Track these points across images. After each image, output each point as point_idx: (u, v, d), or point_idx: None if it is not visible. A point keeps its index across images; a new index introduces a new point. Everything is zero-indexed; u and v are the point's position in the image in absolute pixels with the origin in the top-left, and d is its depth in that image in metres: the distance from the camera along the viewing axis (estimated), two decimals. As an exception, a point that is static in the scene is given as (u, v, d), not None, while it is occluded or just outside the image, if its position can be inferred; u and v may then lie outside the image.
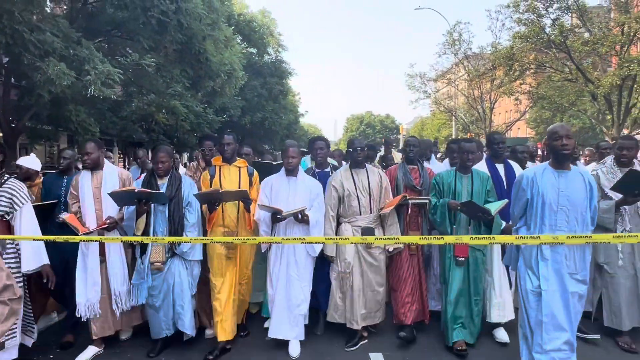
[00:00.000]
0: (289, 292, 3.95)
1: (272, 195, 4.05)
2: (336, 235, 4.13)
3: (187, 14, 9.00)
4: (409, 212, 4.18)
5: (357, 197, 4.09)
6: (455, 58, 25.07)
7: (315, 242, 3.92)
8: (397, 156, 8.16)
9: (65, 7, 10.34)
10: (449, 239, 3.25)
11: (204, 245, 4.09)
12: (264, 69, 23.01)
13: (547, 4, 16.79)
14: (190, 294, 3.98)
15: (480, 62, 24.28)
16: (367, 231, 4.05)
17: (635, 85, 15.48)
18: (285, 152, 4.08)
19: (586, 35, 16.31)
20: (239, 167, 4.20)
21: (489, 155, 4.67)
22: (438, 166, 5.66)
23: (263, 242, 4.03)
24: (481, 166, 4.48)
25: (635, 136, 15.24)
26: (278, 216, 3.89)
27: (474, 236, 2.96)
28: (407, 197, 4.08)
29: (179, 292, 3.93)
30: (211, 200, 3.88)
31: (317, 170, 4.69)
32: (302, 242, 3.76)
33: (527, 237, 3.06)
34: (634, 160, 4.09)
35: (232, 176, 4.14)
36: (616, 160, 4.11)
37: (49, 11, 9.22)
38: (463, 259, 3.95)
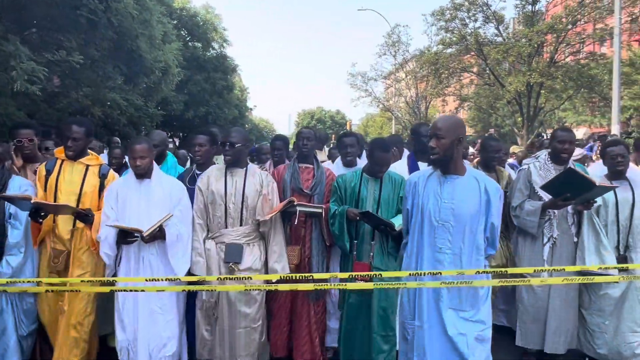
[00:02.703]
0: (151, 331, 3.13)
1: (118, 207, 3.17)
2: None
3: (118, 12, 9.46)
4: (295, 222, 3.43)
5: (225, 204, 3.27)
6: (395, 59, 26.45)
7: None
8: (323, 155, 8.25)
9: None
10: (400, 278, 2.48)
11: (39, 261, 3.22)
12: (207, 63, 23.31)
13: (470, 14, 18.38)
14: (16, 336, 3.15)
15: (417, 64, 25.80)
16: (233, 250, 3.24)
17: (543, 91, 17.43)
18: (130, 151, 3.16)
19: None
20: (87, 165, 3.32)
21: (412, 152, 3.96)
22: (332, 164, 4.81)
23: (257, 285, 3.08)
24: (401, 165, 3.88)
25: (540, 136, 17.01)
26: (129, 239, 3.11)
27: (353, 274, 2.56)
28: (295, 203, 3.35)
29: None
30: (30, 209, 3.00)
31: (197, 172, 3.72)
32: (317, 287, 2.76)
33: (423, 275, 2.37)
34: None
35: (74, 176, 3.27)
36: (552, 156, 3.52)
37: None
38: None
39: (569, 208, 3.42)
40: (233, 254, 3.24)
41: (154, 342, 3.13)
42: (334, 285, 3.23)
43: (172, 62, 12.86)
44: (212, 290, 3.16)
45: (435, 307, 2.54)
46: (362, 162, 4.17)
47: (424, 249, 2.61)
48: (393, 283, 2.81)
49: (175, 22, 19.33)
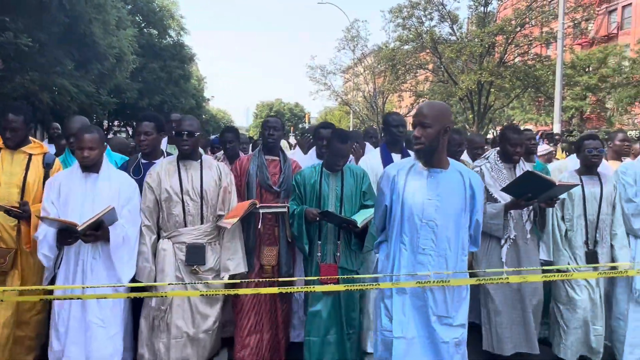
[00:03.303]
0: (89, 346, 2.73)
1: (60, 202, 2.80)
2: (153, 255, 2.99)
3: (70, -5, 9.10)
4: (259, 225, 3.18)
5: (182, 201, 2.96)
6: (353, 54, 26.81)
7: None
8: (285, 144, 7.16)
9: None
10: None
11: None
12: (164, 51, 22.71)
13: (426, 13, 18.97)
14: None
15: (375, 59, 26.29)
16: (195, 251, 2.98)
17: (492, 89, 18.31)
18: (78, 140, 2.78)
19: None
20: (30, 154, 3.03)
21: (385, 142, 3.81)
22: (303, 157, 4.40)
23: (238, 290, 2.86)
24: (374, 156, 3.78)
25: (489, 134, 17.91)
26: (69, 239, 2.69)
27: (320, 277, 2.50)
28: (258, 205, 3.10)
29: None
30: None
31: (143, 161, 3.31)
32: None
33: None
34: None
35: (14, 166, 2.97)
36: (501, 155, 3.48)
37: None
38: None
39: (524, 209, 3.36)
40: (195, 256, 2.97)
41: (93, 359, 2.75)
42: (301, 288, 2.96)
43: (126, 48, 12.52)
44: (163, 296, 2.80)
45: (418, 313, 2.33)
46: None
47: (402, 248, 2.36)
48: (366, 284, 2.67)
49: (129, 7, 18.70)
